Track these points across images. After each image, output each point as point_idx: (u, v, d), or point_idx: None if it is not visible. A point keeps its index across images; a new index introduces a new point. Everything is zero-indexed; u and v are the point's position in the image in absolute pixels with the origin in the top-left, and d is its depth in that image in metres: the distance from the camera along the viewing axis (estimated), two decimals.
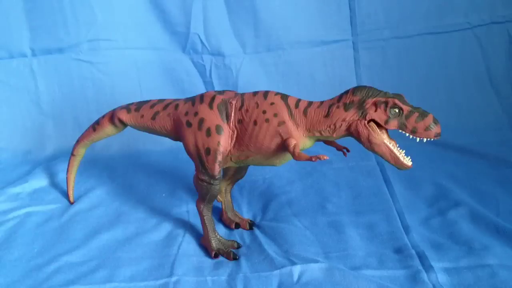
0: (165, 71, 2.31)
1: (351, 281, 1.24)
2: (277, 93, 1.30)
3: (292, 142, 1.24)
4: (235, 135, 1.32)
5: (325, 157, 1.15)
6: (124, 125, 1.53)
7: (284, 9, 2.24)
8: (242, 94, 1.35)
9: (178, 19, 2.23)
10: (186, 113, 1.37)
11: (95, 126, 1.58)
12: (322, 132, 1.25)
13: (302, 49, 2.30)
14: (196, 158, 1.34)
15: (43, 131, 2.26)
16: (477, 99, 2.28)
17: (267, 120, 1.27)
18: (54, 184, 1.89)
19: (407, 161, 1.19)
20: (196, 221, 1.55)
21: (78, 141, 1.65)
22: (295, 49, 2.30)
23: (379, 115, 1.17)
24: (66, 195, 1.76)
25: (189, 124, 1.35)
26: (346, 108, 1.21)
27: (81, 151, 1.68)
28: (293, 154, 1.23)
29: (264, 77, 2.32)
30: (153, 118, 1.44)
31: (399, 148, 1.19)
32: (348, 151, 1.36)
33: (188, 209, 1.67)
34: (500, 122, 2.22)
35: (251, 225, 1.54)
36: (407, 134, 1.16)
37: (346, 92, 1.23)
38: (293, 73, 2.32)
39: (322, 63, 2.32)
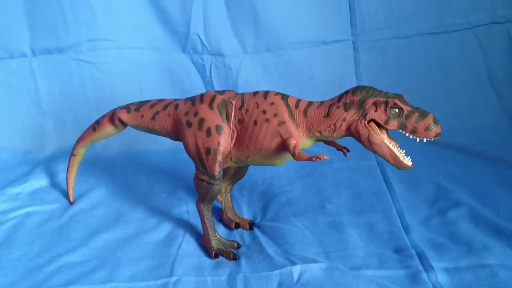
0: (165, 71, 2.31)
1: (351, 281, 1.24)
2: (277, 93, 1.30)
3: (292, 142, 1.24)
4: (235, 135, 1.32)
5: (325, 157, 1.15)
6: (124, 125, 1.53)
7: (284, 9, 2.24)
8: (242, 94, 1.35)
9: (178, 19, 2.23)
10: (186, 113, 1.37)
11: (95, 126, 1.58)
12: (322, 132, 1.25)
13: (302, 49, 2.29)
14: (196, 158, 1.34)
15: (43, 131, 2.25)
16: (477, 99, 2.28)
17: (267, 120, 1.27)
18: (54, 184, 1.89)
19: (407, 161, 1.19)
20: (196, 221, 1.55)
21: (78, 141, 1.65)
22: (295, 49, 2.29)
23: (379, 115, 1.17)
24: (66, 195, 1.76)
25: (189, 124, 1.35)
26: (346, 108, 1.21)
27: (81, 151, 1.68)
28: (293, 154, 1.23)
29: (264, 77, 2.32)
30: (153, 118, 1.44)
31: (399, 148, 1.19)
32: (348, 151, 1.36)
33: (188, 209, 1.67)
34: (500, 122, 2.21)
35: (251, 225, 1.54)
36: (407, 134, 1.16)
37: (346, 92, 1.23)
38: (293, 73, 2.32)
39: (322, 63, 2.32)
